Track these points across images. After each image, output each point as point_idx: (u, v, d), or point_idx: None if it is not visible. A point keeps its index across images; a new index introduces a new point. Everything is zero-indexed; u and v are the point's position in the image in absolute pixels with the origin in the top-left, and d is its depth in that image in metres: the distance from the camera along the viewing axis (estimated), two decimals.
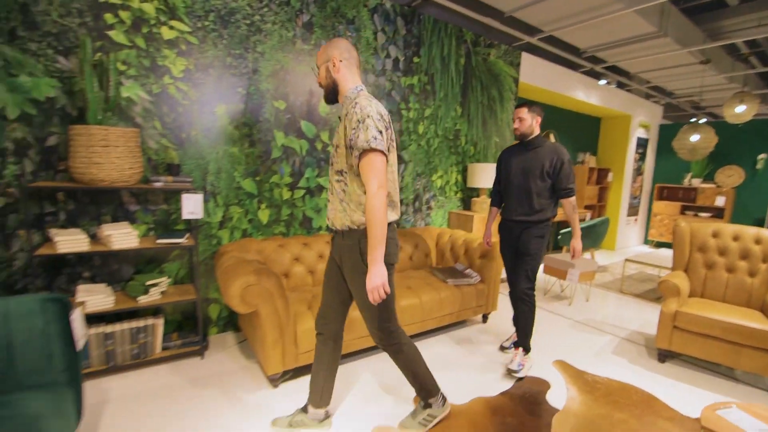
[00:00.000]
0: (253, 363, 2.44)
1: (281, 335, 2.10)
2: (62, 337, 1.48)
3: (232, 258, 2.26)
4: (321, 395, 1.84)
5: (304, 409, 1.87)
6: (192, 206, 2.25)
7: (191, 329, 2.61)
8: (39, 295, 1.47)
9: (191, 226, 2.56)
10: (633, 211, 7.37)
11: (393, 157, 1.60)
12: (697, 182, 6.79)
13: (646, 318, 3.62)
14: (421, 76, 3.61)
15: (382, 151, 1.46)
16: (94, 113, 1.99)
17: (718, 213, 6.56)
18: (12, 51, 1.97)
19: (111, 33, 2.18)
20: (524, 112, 2.43)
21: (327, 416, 1.88)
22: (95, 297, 2.11)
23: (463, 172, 4.17)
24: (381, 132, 1.46)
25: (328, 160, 3.11)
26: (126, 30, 2.22)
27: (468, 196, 4.26)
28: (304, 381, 2.27)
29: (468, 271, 3.08)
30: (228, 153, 2.64)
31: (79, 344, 1.53)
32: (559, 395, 2.25)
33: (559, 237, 4.90)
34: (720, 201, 6.38)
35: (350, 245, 1.59)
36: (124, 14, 2.20)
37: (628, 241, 7.46)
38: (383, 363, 2.51)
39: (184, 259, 2.58)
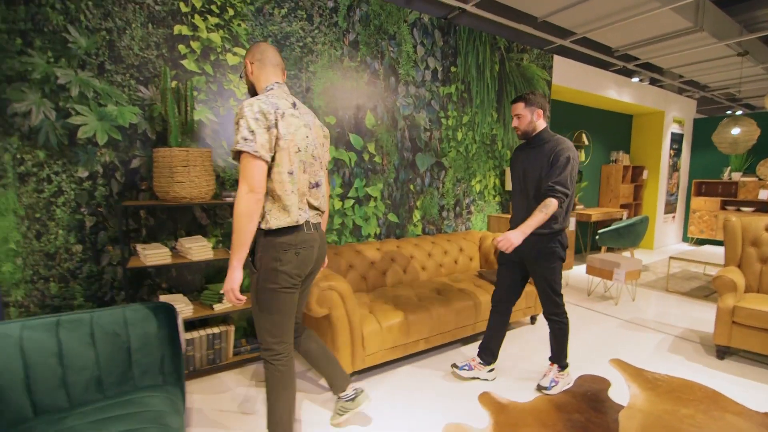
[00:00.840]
0: None
1: (351, 337, 2.22)
2: (170, 341, 1.63)
3: None
4: (337, 381, 1.95)
5: (338, 398, 1.98)
6: None
7: (255, 336, 2.76)
8: (150, 303, 1.63)
9: None
10: (670, 208, 7.22)
11: (284, 156, 1.48)
12: (737, 176, 6.60)
13: (696, 316, 3.58)
14: (458, 85, 3.71)
15: (252, 153, 1.40)
16: (176, 136, 2.18)
17: (762, 207, 6.35)
18: (101, 83, 2.18)
19: (184, 62, 2.37)
20: (521, 107, 2.11)
21: (356, 393, 1.96)
22: (177, 306, 2.28)
23: (501, 175, 4.23)
24: (253, 132, 1.40)
25: (375, 170, 3.23)
26: (196, 59, 2.41)
27: (506, 199, 4.31)
28: (368, 381, 2.38)
29: None
30: None
31: (183, 347, 1.68)
32: (620, 393, 2.28)
33: (597, 237, 4.88)
34: (763, 194, 6.18)
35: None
36: (194, 44, 2.39)
37: (667, 239, 7.30)
38: (448, 361, 2.60)
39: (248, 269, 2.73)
